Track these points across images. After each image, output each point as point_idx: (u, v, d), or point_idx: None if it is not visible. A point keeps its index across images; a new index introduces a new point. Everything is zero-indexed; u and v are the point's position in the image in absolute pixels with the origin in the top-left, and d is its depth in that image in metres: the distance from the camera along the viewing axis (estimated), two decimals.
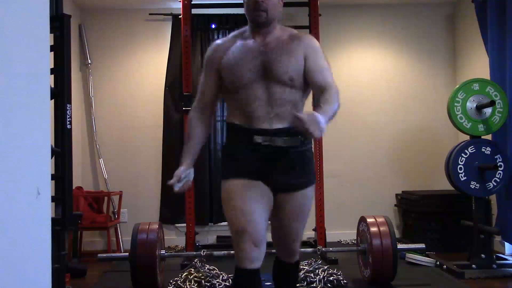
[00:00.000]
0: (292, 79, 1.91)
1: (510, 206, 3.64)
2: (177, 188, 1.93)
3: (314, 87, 1.96)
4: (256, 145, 1.90)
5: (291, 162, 1.94)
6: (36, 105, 0.90)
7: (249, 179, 1.90)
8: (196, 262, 3.40)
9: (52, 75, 2.38)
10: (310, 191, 2.02)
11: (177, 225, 4.74)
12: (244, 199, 1.86)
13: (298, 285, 2.77)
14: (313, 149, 2.06)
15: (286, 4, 2.09)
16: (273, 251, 2.15)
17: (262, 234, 1.84)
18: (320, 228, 4.03)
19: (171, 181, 1.93)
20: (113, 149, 4.77)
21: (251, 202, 1.86)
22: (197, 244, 4.07)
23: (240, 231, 1.82)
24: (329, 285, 3.14)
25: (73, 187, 2.61)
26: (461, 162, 3.57)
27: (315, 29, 4.06)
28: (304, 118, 1.65)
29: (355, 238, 3.50)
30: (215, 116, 1.85)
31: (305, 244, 4.21)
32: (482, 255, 3.51)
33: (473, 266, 3.47)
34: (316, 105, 1.92)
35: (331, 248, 3.62)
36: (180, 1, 4.14)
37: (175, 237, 4.75)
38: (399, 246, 3.23)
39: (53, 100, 2.40)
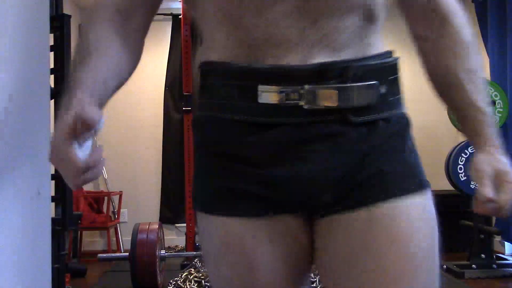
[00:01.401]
0: None
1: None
2: (81, 157, 0.69)
3: (410, 8, 0.96)
4: (262, 113, 0.76)
5: (361, 142, 0.79)
6: (36, 105, 0.90)
7: (251, 215, 0.79)
8: (196, 262, 3.40)
9: (52, 75, 2.38)
10: (426, 205, 0.84)
11: (177, 225, 4.74)
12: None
13: None
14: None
15: None
16: None
17: None
18: None
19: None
20: (113, 149, 4.77)
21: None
22: (197, 244, 4.06)
23: None
24: None
25: None
26: (461, 162, 3.57)
27: None
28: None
29: None
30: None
31: None
32: (482, 255, 3.51)
33: (473, 266, 3.47)
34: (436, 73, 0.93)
35: None
36: (180, 1, 4.14)
37: (175, 237, 4.75)
38: None
39: (53, 100, 2.40)
